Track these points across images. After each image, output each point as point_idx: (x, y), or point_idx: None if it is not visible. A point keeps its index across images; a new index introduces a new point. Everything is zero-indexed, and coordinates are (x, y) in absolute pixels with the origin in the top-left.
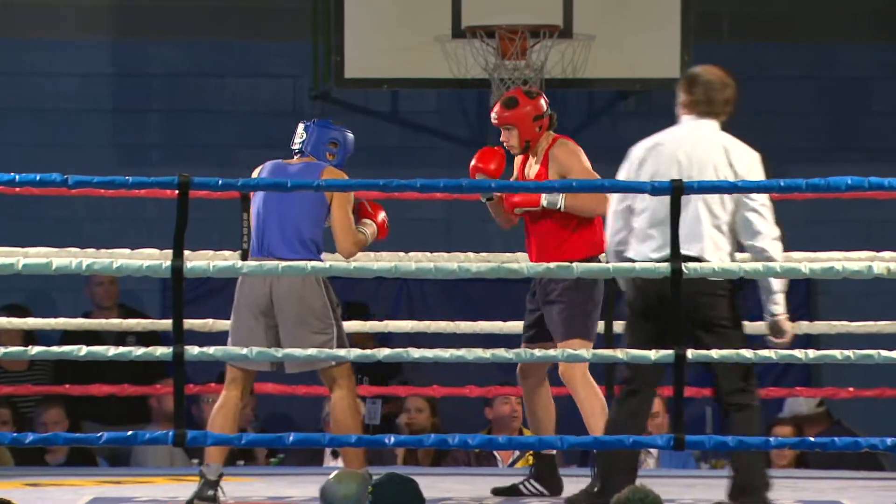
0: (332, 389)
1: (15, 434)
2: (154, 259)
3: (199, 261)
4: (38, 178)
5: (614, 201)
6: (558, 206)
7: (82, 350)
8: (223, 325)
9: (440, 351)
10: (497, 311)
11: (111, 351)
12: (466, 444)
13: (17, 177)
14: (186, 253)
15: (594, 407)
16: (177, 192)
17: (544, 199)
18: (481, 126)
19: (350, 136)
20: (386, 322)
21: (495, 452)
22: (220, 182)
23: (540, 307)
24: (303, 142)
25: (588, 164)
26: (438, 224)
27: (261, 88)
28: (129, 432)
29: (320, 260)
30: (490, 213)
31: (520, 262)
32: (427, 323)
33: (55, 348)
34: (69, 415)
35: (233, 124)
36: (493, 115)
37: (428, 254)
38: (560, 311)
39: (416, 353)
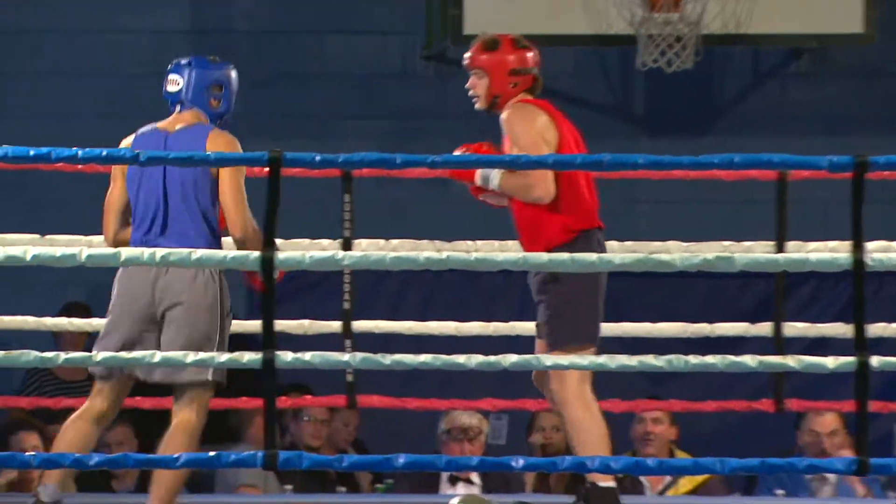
0: (184, 409)
1: (77, 455)
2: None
3: (293, 251)
4: (104, 153)
5: None
6: (491, 186)
7: (156, 356)
8: (321, 326)
9: (577, 358)
10: (644, 309)
11: (190, 357)
12: (609, 467)
13: (79, 152)
14: (278, 241)
15: (590, 434)
16: (266, 169)
17: (478, 176)
18: (626, 90)
19: (234, 71)
20: (512, 324)
21: (642, 478)
22: (317, 158)
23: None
24: (180, 90)
25: (547, 133)
26: None
27: (364, 48)
28: (212, 453)
29: (218, 245)
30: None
31: (671, 253)
32: None
33: (123, 354)
34: (139, 433)
35: (331, 90)
36: (466, 55)
37: None
38: (542, 311)
39: (548, 360)
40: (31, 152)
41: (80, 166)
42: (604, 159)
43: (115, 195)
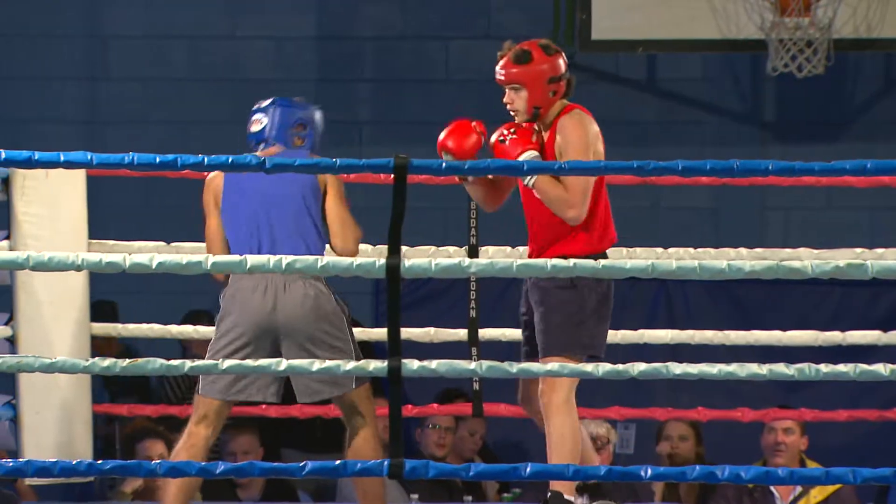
0: (352, 418)
1: (203, 464)
2: (365, 256)
3: (419, 258)
4: (230, 160)
5: None
6: (528, 182)
7: (281, 364)
8: (447, 334)
9: (706, 366)
10: (774, 317)
11: (315, 365)
12: (739, 477)
13: (206, 159)
14: (403, 249)
15: (564, 445)
16: (392, 176)
17: (525, 157)
18: (756, 96)
19: (318, 113)
20: (641, 332)
21: (772, 488)
22: (443, 165)
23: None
24: (263, 128)
25: (598, 144)
26: (704, 214)
27: (491, 53)
28: (337, 462)
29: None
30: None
31: (803, 260)
32: (690, 332)
33: (249, 362)
34: (264, 442)
35: (457, 96)
36: (498, 69)
37: (691, 250)
38: (542, 317)
39: (677, 368)
40: (157, 159)
41: (206, 174)
42: (734, 166)
43: (214, 226)
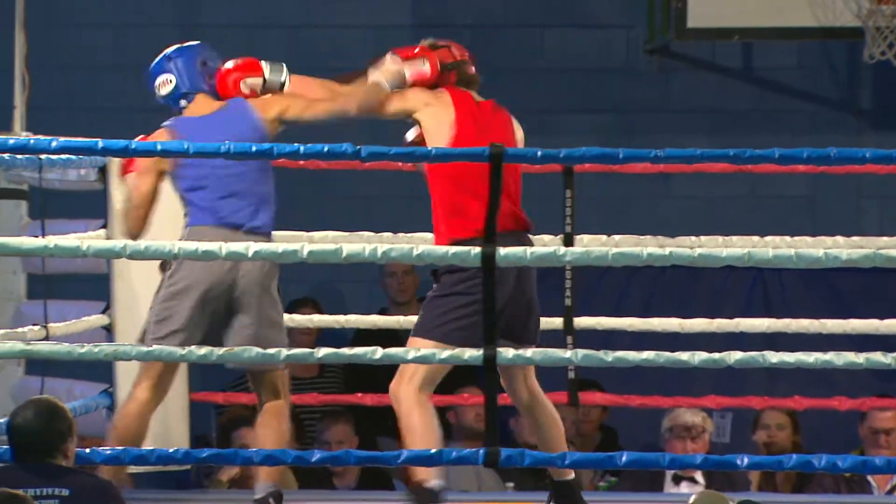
0: (275, 396)
1: (299, 452)
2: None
3: (514, 247)
4: (325, 149)
5: None
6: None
7: (377, 353)
8: (543, 322)
9: (802, 355)
10: (871, 306)
11: (411, 354)
12: (836, 466)
13: (301, 148)
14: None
15: (416, 439)
16: (489, 164)
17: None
18: (852, 84)
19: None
20: (737, 320)
21: (869, 477)
22: (538, 153)
23: None
24: (177, 85)
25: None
26: (801, 202)
27: (586, 41)
28: (433, 450)
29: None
30: None
31: None
32: (786, 321)
33: (345, 350)
34: (359, 430)
35: (552, 84)
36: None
37: (787, 238)
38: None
39: (773, 356)
40: (253, 148)
41: (301, 162)
42: (831, 153)
43: (154, 189)
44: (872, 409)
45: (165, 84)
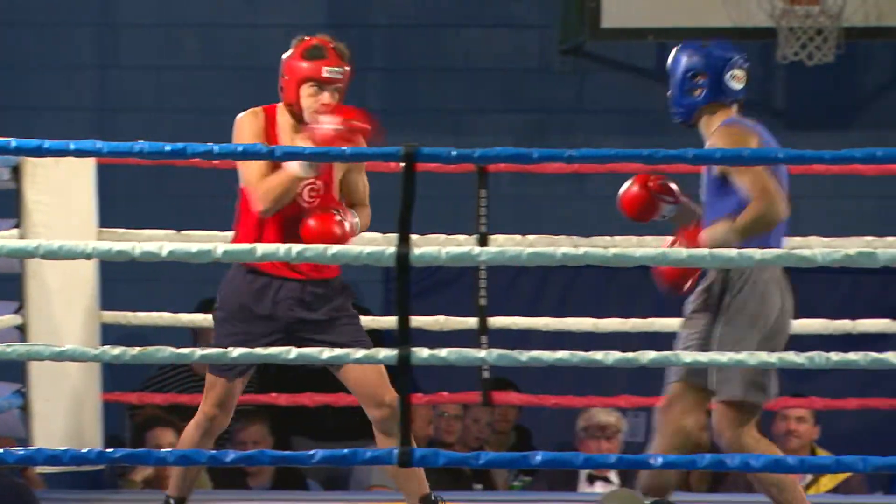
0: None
1: (213, 452)
2: (375, 245)
3: (429, 247)
4: (240, 149)
5: None
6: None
7: (291, 352)
8: (456, 322)
9: (717, 354)
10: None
11: (325, 353)
12: (748, 465)
13: (214, 147)
14: (413, 237)
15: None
16: (402, 164)
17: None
18: (766, 84)
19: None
20: (651, 320)
21: None
22: (452, 153)
23: None
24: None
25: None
26: None
27: (501, 41)
28: (347, 450)
29: None
30: None
31: (812, 249)
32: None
33: (259, 350)
34: (275, 430)
35: (468, 84)
36: (333, 68)
37: None
38: None
39: (687, 356)
40: (167, 148)
41: (215, 162)
42: (744, 153)
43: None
44: (787, 408)
45: (739, 80)
